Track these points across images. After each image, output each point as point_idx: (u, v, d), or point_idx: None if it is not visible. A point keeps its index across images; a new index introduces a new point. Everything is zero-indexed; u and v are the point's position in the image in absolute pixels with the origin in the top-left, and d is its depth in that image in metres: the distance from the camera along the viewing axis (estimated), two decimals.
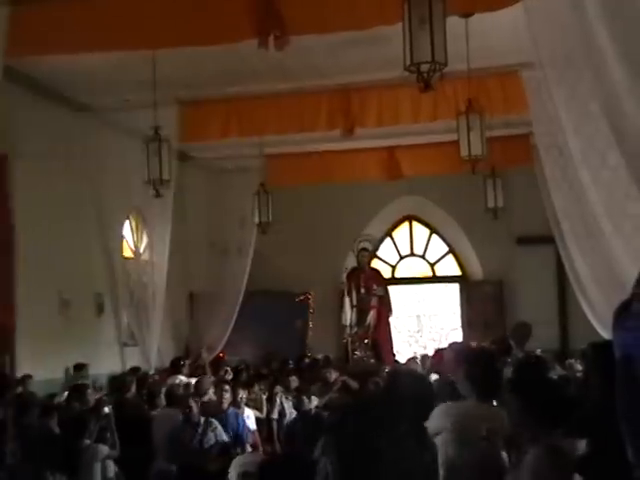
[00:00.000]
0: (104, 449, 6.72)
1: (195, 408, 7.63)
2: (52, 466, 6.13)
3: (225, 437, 7.67)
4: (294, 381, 9.89)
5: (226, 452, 7.43)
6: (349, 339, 12.76)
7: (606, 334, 8.34)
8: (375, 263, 14.87)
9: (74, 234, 10.08)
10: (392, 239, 15.14)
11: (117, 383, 8.40)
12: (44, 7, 6.63)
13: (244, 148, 11.63)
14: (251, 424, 8.68)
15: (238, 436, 8.04)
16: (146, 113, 8.58)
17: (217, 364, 12.21)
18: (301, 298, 14.02)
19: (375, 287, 13.43)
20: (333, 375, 9.42)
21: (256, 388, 9.90)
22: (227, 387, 8.42)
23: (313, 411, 8.02)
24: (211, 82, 9.31)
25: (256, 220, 11.69)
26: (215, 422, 7.68)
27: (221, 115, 9.82)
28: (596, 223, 5.92)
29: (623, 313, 2.19)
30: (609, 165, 5.27)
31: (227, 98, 9.71)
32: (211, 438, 7.51)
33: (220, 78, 9.13)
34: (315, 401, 8.67)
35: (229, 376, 10.27)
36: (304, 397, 8.30)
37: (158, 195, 8.37)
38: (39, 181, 9.24)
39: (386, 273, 14.88)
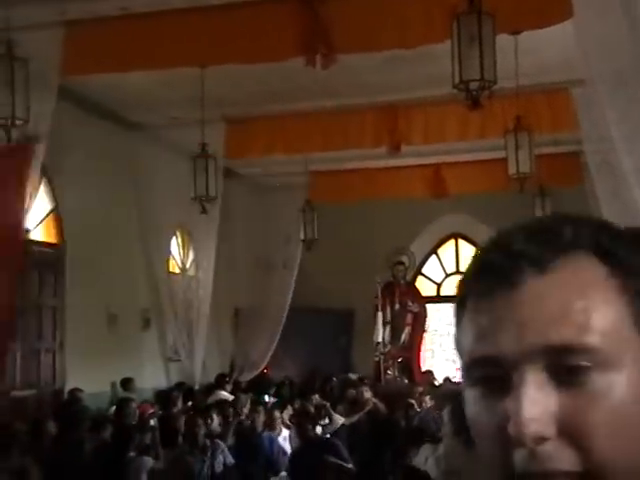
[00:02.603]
0: (149, 461, 6.77)
1: (201, 431, 7.24)
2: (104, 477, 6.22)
3: (231, 458, 7.34)
4: (316, 400, 9.46)
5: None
6: (381, 357, 12.25)
7: None
8: (420, 280, 14.75)
9: (121, 249, 10.20)
10: (438, 257, 15.02)
11: (164, 398, 8.46)
12: (94, 27, 6.75)
13: (289, 165, 11.66)
14: (287, 445, 8.41)
15: (270, 462, 7.85)
16: (193, 130, 8.65)
17: (261, 380, 12.20)
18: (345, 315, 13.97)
19: (410, 303, 13.10)
20: (366, 394, 9.04)
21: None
22: (261, 408, 8.21)
23: (318, 438, 7.71)
24: (257, 99, 9.36)
25: (301, 237, 11.68)
26: (221, 443, 7.39)
27: (267, 132, 9.86)
28: None
29: None
30: None
31: (273, 115, 9.74)
32: (220, 461, 7.21)
33: (266, 95, 9.17)
34: (338, 419, 8.43)
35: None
36: (309, 426, 7.61)
37: (204, 211, 8.42)
38: (87, 197, 9.37)
39: (431, 291, 14.76)
